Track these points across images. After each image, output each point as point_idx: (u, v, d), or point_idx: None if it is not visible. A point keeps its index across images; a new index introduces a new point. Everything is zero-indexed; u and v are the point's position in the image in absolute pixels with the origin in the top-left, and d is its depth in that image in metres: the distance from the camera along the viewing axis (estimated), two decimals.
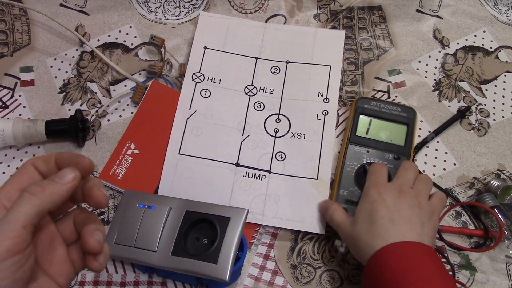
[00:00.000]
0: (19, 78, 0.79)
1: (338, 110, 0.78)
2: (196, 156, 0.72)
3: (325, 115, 0.76)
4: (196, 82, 0.77)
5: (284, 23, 0.85)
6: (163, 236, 0.60)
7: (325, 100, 0.77)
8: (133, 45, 0.83)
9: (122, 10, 0.85)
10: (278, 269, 0.67)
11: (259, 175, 0.71)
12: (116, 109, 0.78)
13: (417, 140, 0.77)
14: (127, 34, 0.83)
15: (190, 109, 0.75)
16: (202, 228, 0.61)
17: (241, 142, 0.73)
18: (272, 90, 0.78)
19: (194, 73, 0.78)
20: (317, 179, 0.71)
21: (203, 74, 0.78)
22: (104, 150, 0.74)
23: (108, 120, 0.77)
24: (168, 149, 0.73)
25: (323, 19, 0.86)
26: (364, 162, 0.71)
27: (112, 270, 0.65)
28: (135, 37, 0.83)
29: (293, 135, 0.74)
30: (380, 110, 0.75)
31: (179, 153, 0.72)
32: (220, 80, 0.78)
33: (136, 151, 0.72)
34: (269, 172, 0.72)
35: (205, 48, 0.80)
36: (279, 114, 0.76)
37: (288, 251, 0.68)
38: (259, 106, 0.76)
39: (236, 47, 0.80)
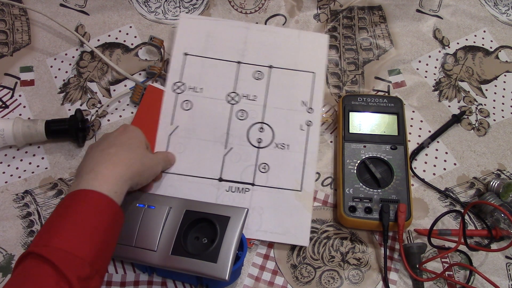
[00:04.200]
0: (19, 78, 0.79)
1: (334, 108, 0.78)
2: (179, 174, 0.71)
3: (308, 125, 0.74)
4: (177, 94, 0.75)
5: (284, 23, 0.85)
6: (163, 235, 0.60)
7: (308, 110, 0.75)
8: (133, 45, 0.83)
9: (122, 10, 0.85)
10: (278, 269, 0.67)
11: (242, 188, 0.70)
12: (116, 109, 0.78)
13: (415, 145, 0.77)
14: (127, 34, 0.83)
15: (171, 124, 0.73)
16: (202, 227, 0.61)
17: (224, 156, 0.72)
18: (255, 97, 0.75)
19: (174, 83, 0.75)
20: (300, 190, 0.70)
21: (184, 84, 0.75)
22: None
23: (108, 120, 0.77)
24: None
25: (323, 19, 0.86)
26: (363, 157, 0.71)
27: (112, 270, 0.65)
28: (135, 37, 0.83)
29: (277, 145, 0.73)
30: (368, 104, 0.76)
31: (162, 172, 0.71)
32: (201, 88, 0.75)
33: None
34: (253, 185, 0.71)
35: (186, 54, 0.77)
36: (262, 122, 0.74)
37: (288, 251, 0.68)
38: (242, 115, 0.74)
39: (217, 51, 0.78)
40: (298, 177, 0.71)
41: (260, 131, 0.73)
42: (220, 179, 0.71)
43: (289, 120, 0.74)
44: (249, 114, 0.74)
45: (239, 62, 0.77)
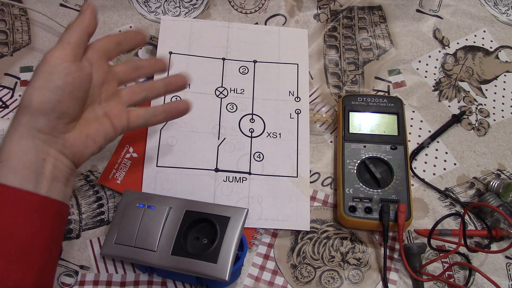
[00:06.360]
0: (19, 78, 0.79)
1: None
2: (174, 167, 0.71)
3: (298, 113, 0.76)
4: None
5: (284, 24, 0.85)
6: (163, 236, 0.60)
7: (296, 99, 0.77)
8: None
9: (122, 10, 0.85)
10: (278, 269, 0.67)
11: (240, 177, 0.71)
12: None
13: (415, 145, 0.77)
14: None
15: None
16: (202, 227, 0.61)
17: (218, 146, 0.72)
18: (242, 90, 0.77)
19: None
20: (297, 177, 0.71)
21: None
22: (103, 151, 0.74)
23: None
24: (145, 163, 0.71)
25: (323, 19, 0.86)
26: (363, 157, 0.71)
27: (112, 270, 0.65)
28: None
29: (269, 134, 0.74)
30: (368, 104, 0.76)
31: (156, 166, 0.71)
32: (189, 85, 0.76)
33: (134, 155, 0.72)
34: (249, 173, 0.71)
35: (171, 53, 0.78)
36: (252, 114, 0.75)
37: (288, 251, 0.68)
38: (231, 108, 0.75)
39: (201, 49, 0.79)
40: (293, 163, 0.72)
41: (251, 122, 0.75)
42: (217, 170, 0.71)
43: (278, 110, 0.76)
44: (238, 107, 0.76)
45: (223, 59, 0.79)
